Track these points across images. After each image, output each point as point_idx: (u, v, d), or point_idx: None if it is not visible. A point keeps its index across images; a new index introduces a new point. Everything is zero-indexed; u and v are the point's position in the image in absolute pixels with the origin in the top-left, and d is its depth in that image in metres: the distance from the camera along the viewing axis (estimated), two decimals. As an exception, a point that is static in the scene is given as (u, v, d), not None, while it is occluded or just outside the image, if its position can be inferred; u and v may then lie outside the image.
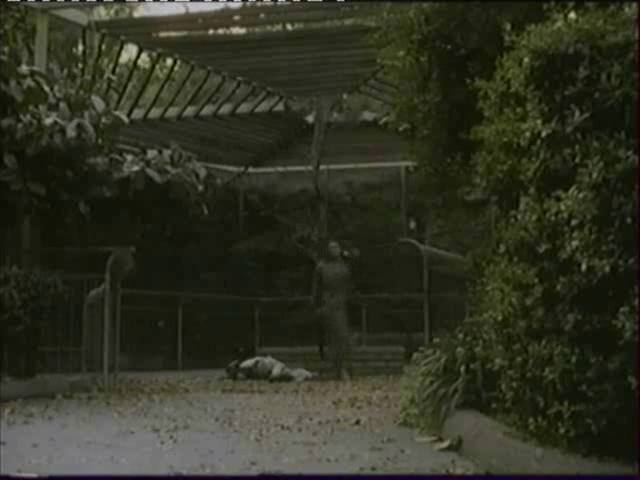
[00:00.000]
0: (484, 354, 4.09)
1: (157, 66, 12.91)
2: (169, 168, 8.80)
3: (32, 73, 7.57)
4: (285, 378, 9.62)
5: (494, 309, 3.47)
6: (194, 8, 12.44)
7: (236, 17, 11.34)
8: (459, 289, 7.45)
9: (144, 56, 12.79)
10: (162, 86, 12.55)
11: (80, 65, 12.08)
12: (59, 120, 7.60)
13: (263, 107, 13.43)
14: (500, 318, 3.41)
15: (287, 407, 6.47)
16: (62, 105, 7.89)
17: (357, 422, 5.27)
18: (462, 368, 4.40)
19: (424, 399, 4.70)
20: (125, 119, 8.77)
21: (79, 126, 7.73)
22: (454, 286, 9.25)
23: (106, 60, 14.69)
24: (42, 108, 7.70)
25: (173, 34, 11.46)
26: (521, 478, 3.06)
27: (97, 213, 8.18)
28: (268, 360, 10.14)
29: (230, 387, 8.66)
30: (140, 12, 18.85)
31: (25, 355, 7.44)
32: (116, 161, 8.60)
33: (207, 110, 13.04)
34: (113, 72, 11.89)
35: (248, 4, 12.12)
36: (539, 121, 3.16)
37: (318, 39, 10.77)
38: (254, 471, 3.47)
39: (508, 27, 3.68)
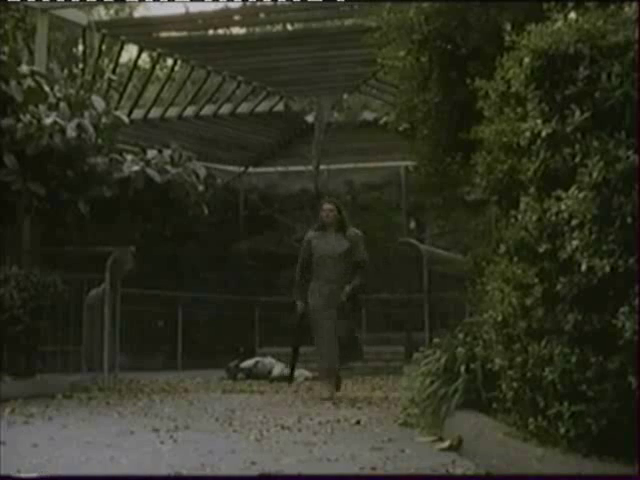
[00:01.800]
0: (484, 354, 4.09)
1: (157, 66, 12.90)
2: (169, 168, 8.80)
3: (32, 73, 7.57)
4: (285, 378, 9.61)
5: (494, 309, 3.47)
6: (194, 8, 12.42)
7: (236, 17, 11.34)
8: (459, 289, 7.45)
9: (144, 56, 12.79)
10: (162, 86, 12.54)
11: (80, 65, 12.09)
12: (59, 120, 7.60)
13: (263, 107, 13.43)
14: (500, 318, 3.41)
15: (287, 407, 6.46)
16: (62, 105, 7.89)
17: (357, 422, 5.27)
18: (462, 368, 4.39)
19: (424, 399, 4.69)
20: (125, 119, 8.77)
21: (79, 126, 7.73)
22: (454, 286, 9.23)
23: (106, 60, 14.69)
24: (42, 108, 7.70)
25: (173, 34, 11.46)
26: (521, 478, 3.06)
27: (97, 213, 8.17)
28: (268, 360, 10.14)
29: (230, 387, 8.66)
30: (140, 12, 18.87)
31: (25, 355, 7.44)
32: (116, 161, 8.60)
33: (207, 110, 13.05)
34: (113, 72, 11.89)
35: (248, 4, 12.10)
36: (539, 121, 3.16)
37: (318, 39, 10.77)
38: (254, 471, 3.46)
39: (508, 27, 3.69)
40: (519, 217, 3.29)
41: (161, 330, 12.25)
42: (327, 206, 7.65)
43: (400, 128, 5.79)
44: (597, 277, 2.83)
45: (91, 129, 7.83)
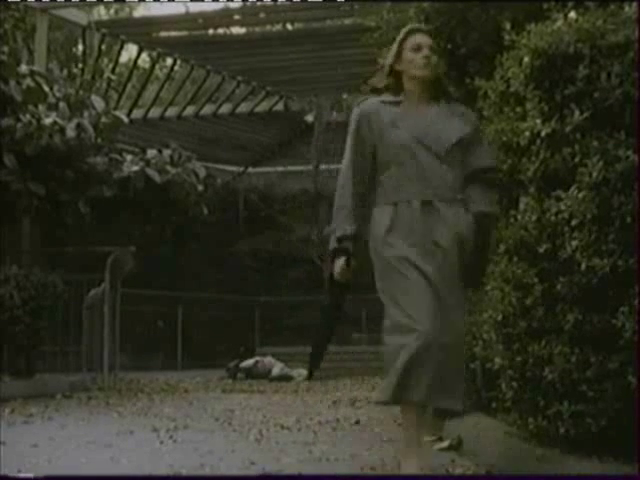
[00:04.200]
0: (484, 354, 4.08)
1: (157, 66, 12.91)
2: (169, 168, 8.82)
3: (32, 73, 7.57)
4: (285, 378, 9.62)
5: (494, 309, 3.47)
6: (194, 8, 12.47)
7: (236, 17, 11.34)
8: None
9: (144, 56, 12.80)
10: (162, 86, 12.55)
11: (80, 65, 12.10)
12: (59, 120, 7.60)
13: (263, 107, 13.44)
14: (500, 318, 3.40)
15: (287, 407, 6.46)
16: (62, 105, 7.89)
17: (357, 422, 5.27)
18: (462, 368, 4.39)
19: (424, 399, 4.68)
20: (125, 119, 8.78)
21: (79, 126, 7.73)
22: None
23: (106, 60, 14.70)
24: (42, 108, 7.71)
25: (173, 34, 11.46)
26: (521, 478, 3.06)
27: (97, 213, 8.18)
28: (268, 360, 10.14)
29: (230, 387, 8.66)
30: (140, 12, 18.89)
31: (25, 355, 7.45)
32: (116, 161, 8.61)
33: (207, 110, 13.05)
34: (113, 72, 11.91)
35: (248, 4, 12.11)
36: (539, 120, 3.16)
37: (318, 39, 10.78)
38: (254, 471, 3.46)
39: (508, 26, 3.67)
40: (519, 217, 3.28)
41: (161, 330, 12.25)
42: (421, 39, 3.28)
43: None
44: (597, 277, 2.83)
45: (90, 129, 7.84)
